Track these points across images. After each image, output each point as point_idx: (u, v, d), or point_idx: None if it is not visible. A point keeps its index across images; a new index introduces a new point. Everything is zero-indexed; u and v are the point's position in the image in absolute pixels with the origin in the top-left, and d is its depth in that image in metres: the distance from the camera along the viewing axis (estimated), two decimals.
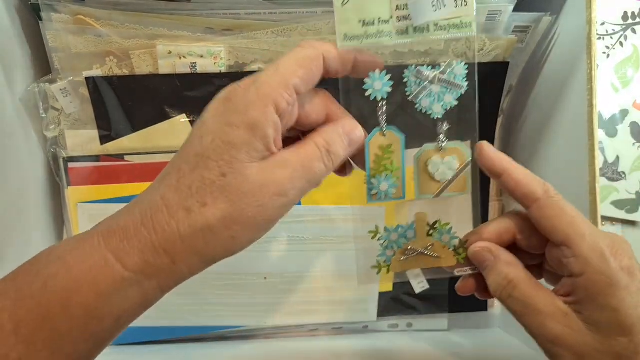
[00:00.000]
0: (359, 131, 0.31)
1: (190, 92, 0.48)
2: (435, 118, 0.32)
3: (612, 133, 0.52)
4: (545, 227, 0.30)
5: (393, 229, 0.33)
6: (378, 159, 0.32)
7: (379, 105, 0.32)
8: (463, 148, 0.33)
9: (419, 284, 0.54)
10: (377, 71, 0.31)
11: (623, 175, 0.52)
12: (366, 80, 0.31)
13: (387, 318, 0.55)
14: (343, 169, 0.33)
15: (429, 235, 0.34)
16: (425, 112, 0.32)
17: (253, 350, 0.52)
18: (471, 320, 0.57)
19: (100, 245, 0.26)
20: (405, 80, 0.32)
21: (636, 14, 0.52)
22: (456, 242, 0.34)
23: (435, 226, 0.34)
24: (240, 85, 0.27)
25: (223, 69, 0.48)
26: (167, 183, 0.27)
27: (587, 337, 0.28)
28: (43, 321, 0.25)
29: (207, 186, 0.26)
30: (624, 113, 0.52)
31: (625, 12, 0.52)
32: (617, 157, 0.52)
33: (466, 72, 0.32)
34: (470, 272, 0.34)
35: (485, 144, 0.32)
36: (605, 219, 0.52)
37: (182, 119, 0.49)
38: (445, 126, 0.32)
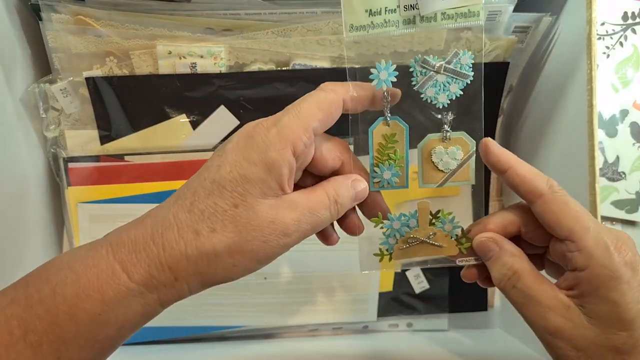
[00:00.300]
0: (364, 185, 0.32)
1: (190, 92, 0.48)
2: (440, 107, 0.32)
3: (612, 133, 0.52)
4: (549, 222, 0.30)
5: (396, 217, 0.33)
6: (382, 148, 0.33)
7: (384, 94, 0.32)
8: (467, 138, 0.33)
9: (419, 284, 0.55)
10: (383, 61, 0.31)
11: (623, 175, 0.52)
12: (372, 70, 0.31)
13: (387, 318, 0.55)
14: (353, 228, 0.34)
15: (431, 224, 0.34)
16: (431, 101, 0.32)
17: (253, 350, 0.52)
18: (471, 320, 0.57)
19: (108, 255, 0.27)
20: (411, 70, 0.32)
21: (636, 14, 0.52)
22: (458, 231, 0.33)
23: (438, 215, 0.34)
24: (263, 124, 0.29)
25: (223, 69, 0.48)
26: (181, 203, 0.28)
27: (587, 330, 0.29)
28: (50, 327, 0.26)
29: (218, 213, 0.27)
30: (624, 113, 0.52)
31: (625, 12, 0.52)
32: (617, 157, 0.52)
33: (472, 62, 0.32)
34: (473, 262, 0.34)
35: (489, 140, 0.32)
36: (605, 219, 0.52)
37: (182, 119, 0.49)
38: (450, 116, 0.33)
